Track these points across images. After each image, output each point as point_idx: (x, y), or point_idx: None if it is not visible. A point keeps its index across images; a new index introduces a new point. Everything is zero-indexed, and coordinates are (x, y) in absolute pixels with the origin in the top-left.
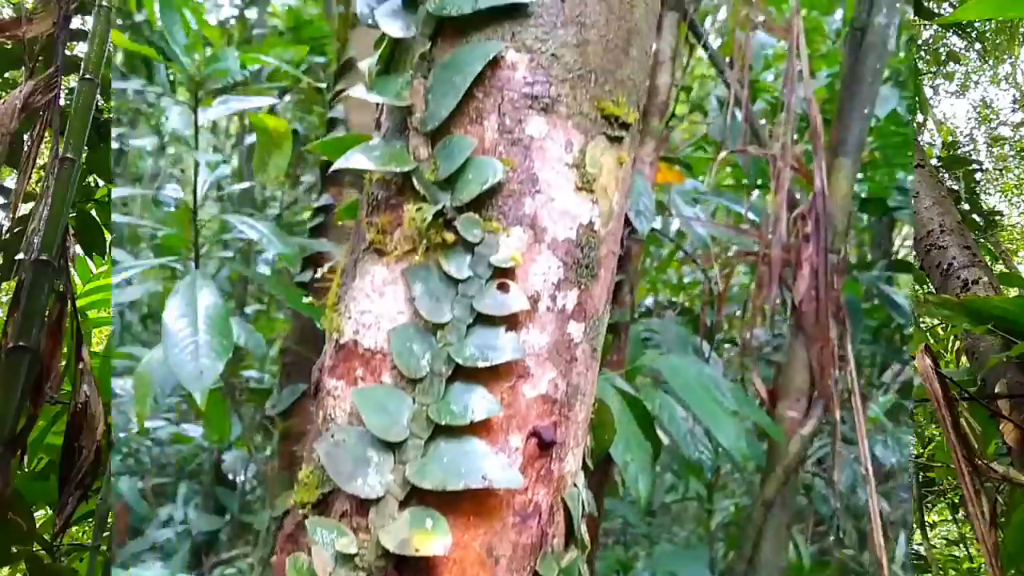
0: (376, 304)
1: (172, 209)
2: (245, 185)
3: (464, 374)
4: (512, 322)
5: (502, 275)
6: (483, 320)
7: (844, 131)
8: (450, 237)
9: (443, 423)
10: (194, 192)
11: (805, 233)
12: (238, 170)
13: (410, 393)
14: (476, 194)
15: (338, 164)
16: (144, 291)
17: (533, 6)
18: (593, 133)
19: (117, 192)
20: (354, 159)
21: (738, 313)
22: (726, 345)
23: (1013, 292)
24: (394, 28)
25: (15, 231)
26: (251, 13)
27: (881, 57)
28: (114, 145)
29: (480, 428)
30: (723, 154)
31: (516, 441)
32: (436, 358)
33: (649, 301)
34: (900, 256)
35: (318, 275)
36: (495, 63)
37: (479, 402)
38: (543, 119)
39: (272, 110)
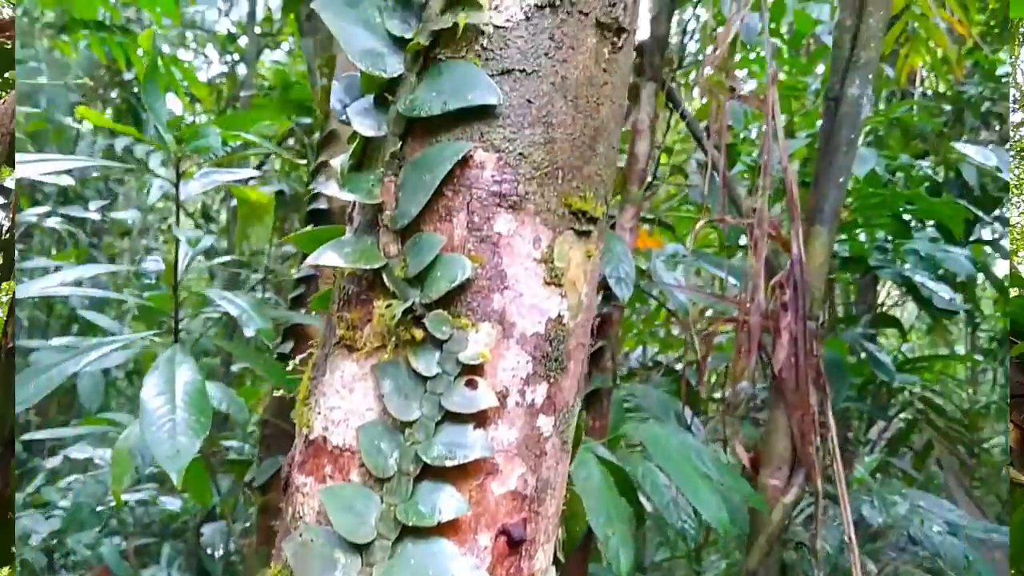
0: (345, 400)
1: (153, 281)
2: (227, 259)
3: (432, 473)
4: (481, 419)
5: (471, 372)
6: (451, 418)
7: (820, 199)
8: (419, 334)
9: (410, 524)
10: (175, 268)
11: (783, 301)
12: (225, 227)
13: (378, 492)
14: (445, 291)
15: (309, 261)
16: (127, 356)
17: (501, 107)
18: (561, 228)
19: (92, 269)
20: (325, 256)
21: (721, 369)
22: (711, 403)
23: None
24: (365, 127)
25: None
26: (241, 67)
27: (855, 127)
28: (95, 217)
29: (448, 528)
30: (701, 223)
31: (485, 540)
32: (404, 457)
33: (638, 353)
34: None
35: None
36: (464, 162)
37: (447, 501)
38: (511, 216)
39: (261, 164)
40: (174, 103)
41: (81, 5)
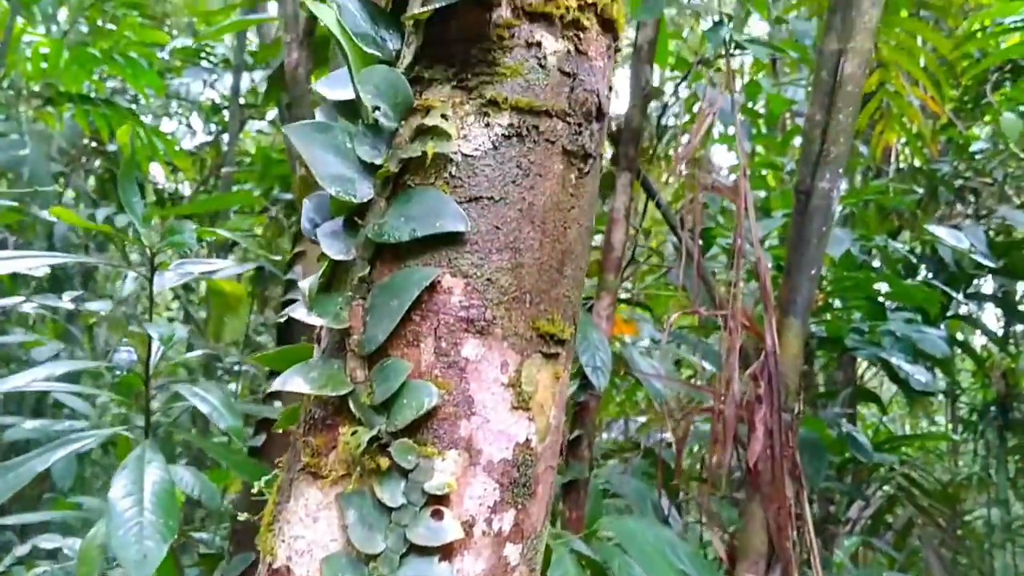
0: (309, 530)
1: (124, 374)
2: (199, 353)
3: None
4: (446, 551)
5: (436, 501)
6: (416, 550)
7: (793, 291)
8: (384, 463)
9: None
10: (146, 365)
11: (758, 393)
12: (202, 299)
13: None
14: (411, 419)
15: (275, 386)
16: (99, 442)
17: (469, 234)
18: (529, 352)
19: (64, 366)
20: (291, 382)
21: (700, 449)
22: (690, 481)
23: None
24: (335, 250)
25: None
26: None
27: (826, 220)
28: (69, 306)
29: None
30: (675, 315)
31: None
32: None
33: (620, 425)
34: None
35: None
36: (432, 287)
37: None
38: (479, 341)
39: (235, 245)
40: (157, 171)
41: (68, 78)
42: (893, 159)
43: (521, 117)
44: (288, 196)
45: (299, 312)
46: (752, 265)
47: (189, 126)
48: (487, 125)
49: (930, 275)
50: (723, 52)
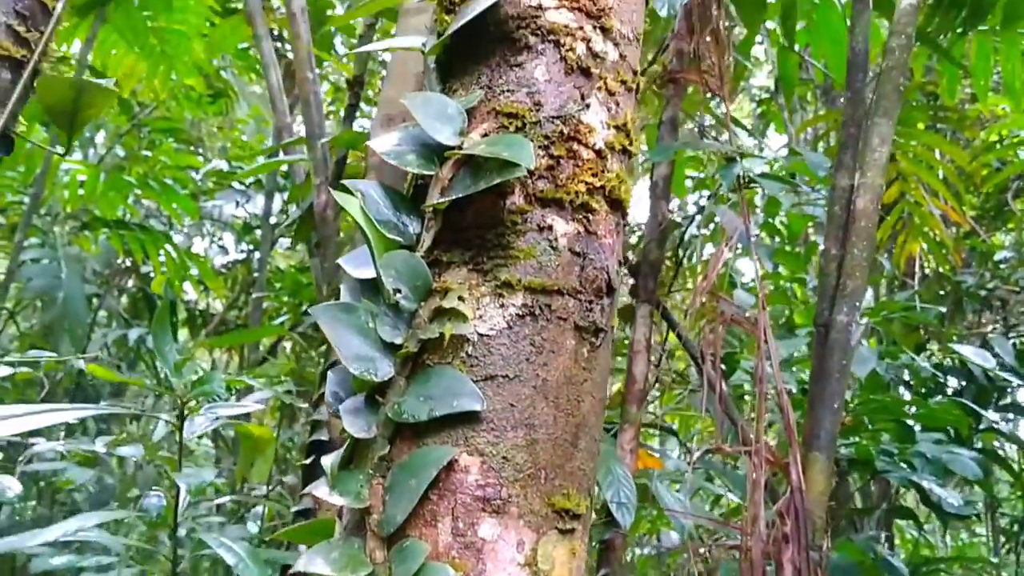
0: None
1: (153, 519)
2: (226, 499)
3: None
4: None
5: None
6: None
7: (816, 426)
8: None
9: None
10: (174, 514)
11: (784, 532)
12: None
13: None
14: None
15: (298, 566)
16: None
17: (485, 412)
18: (545, 529)
19: (93, 518)
20: (314, 563)
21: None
22: None
23: None
24: (356, 428)
25: None
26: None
27: (846, 353)
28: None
29: None
30: (698, 453)
31: None
32: None
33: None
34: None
35: None
36: (449, 466)
37: None
38: (495, 520)
39: (263, 361)
40: (189, 288)
41: (104, 203)
42: (917, 267)
43: (534, 297)
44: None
45: (321, 491)
46: (775, 399)
47: (221, 245)
48: (502, 305)
49: (960, 386)
50: (737, 187)
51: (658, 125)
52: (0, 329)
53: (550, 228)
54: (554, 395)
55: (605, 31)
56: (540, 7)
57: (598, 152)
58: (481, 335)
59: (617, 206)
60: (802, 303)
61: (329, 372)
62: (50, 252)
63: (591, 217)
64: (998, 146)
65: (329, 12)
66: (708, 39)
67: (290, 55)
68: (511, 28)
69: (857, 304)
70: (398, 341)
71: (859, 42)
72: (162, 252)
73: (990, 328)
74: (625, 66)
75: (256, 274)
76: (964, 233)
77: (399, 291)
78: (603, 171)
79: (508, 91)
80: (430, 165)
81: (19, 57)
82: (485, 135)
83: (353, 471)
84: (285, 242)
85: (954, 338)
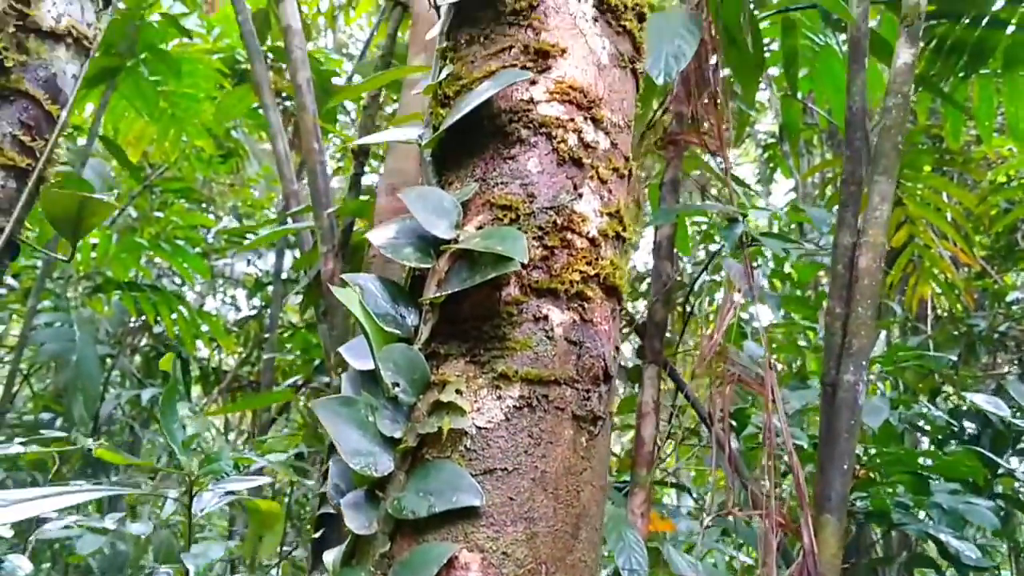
0: None
1: None
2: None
3: None
4: None
5: None
6: None
7: (827, 487)
8: None
9: None
10: None
11: None
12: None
13: None
14: None
15: None
16: None
17: (484, 506)
18: None
19: None
20: None
21: None
22: None
23: None
24: (357, 524)
25: None
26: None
27: (854, 412)
28: (112, 527)
29: None
30: (709, 519)
31: None
32: None
33: None
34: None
35: None
36: (450, 563)
37: None
38: None
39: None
40: (201, 345)
41: (116, 265)
42: (929, 310)
43: (531, 388)
44: (327, 379)
45: None
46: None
47: (234, 303)
48: (499, 398)
49: (977, 431)
50: (740, 247)
51: (660, 185)
52: (15, 391)
53: (546, 318)
54: (553, 487)
55: (596, 121)
56: (532, 100)
57: (592, 240)
58: (479, 428)
59: (612, 292)
60: (814, 350)
61: (331, 462)
62: (63, 315)
63: (586, 305)
64: (1006, 187)
65: (334, 79)
66: (707, 101)
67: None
68: (504, 122)
69: (863, 363)
70: (397, 435)
71: (856, 101)
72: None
73: (1006, 369)
74: (617, 154)
75: (267, 337)
76: (975, 274)
77: (397, 385)
78: (597, 259)
79: (502, 183)
80: (427, 258)
81: (24, 166)
82: (480, 227)
83: (355, 568)
84: (297, 297)
85: (968, 381)
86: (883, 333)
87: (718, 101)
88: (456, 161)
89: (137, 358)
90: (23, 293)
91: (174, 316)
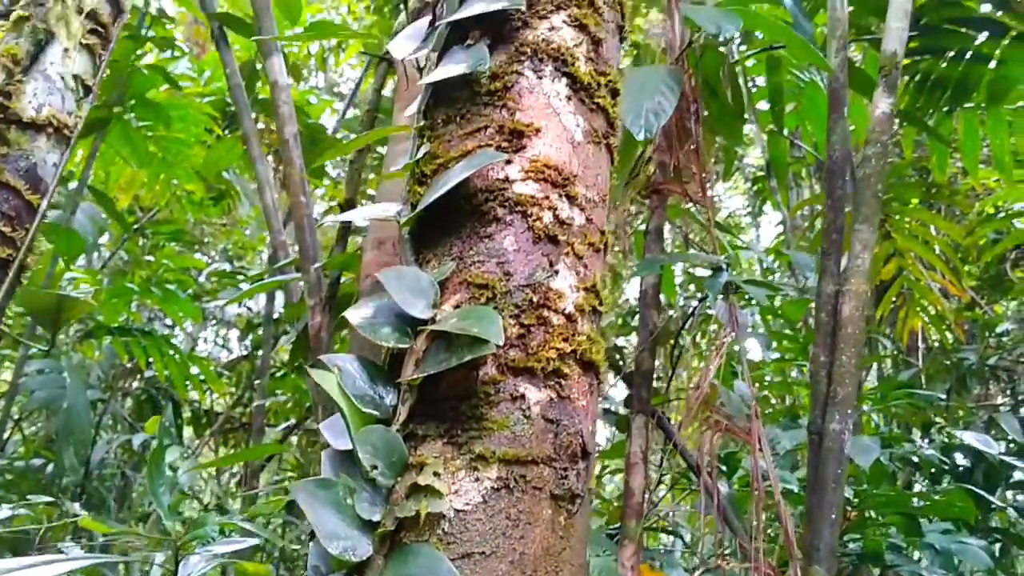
0: None
1: None
2: None
3: None
4: None
5: None
6: None
7: (815, 538)
8: None
9: None
10: None
11: None
12: None
13: None
14: None
15: None
16: None
17: None
18: None
19: None
20: None
21: None
22: None
23: None
24: None
25: None
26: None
27: (840, 462)
28: None
29: None
30: (698, 574)
31: None
32: None
33: None
34: None
35: None
36: None
37: None
38: None
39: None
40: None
41: (107, 310)
42: (920, 341)
43: (509, 468)
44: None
45: None
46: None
47: (225, 344)
48: (477, 479)
49: (971, 465)
50: (725, 294)
51: (644, 234)
52: (7, 437)
53: (523, 397)
54: (532, 568)
55: (571, 198)
56: (508, 179)
57: (568, 316)
58: (457, 511)
59: (589, 367)
60: (805, 385)
61: (311, 544)
62: (53, 362)
63: (563, 382)
64: (995, 217)
65: (325, 114)
66: (689, 150)
67: None
68: (480, 201)
69: (849, 411)
70: (375, 518)
71: (836, 150)
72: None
73: (999, 400)
74: (592, 228)
75: (259, 382)
76: (965, 305)
77: (376, 467)
78: (574, 335)
79: (479, 261)
80: (405, 339)
81: (4, 256)
82: (458, 306)
83: None
84: (290, 335)
85: (961, 414)
86: (874, 366)
87: (699, 152)
88: (434, 239)
89: (129, 402)
90: (13, 339)
91: (165, 359)
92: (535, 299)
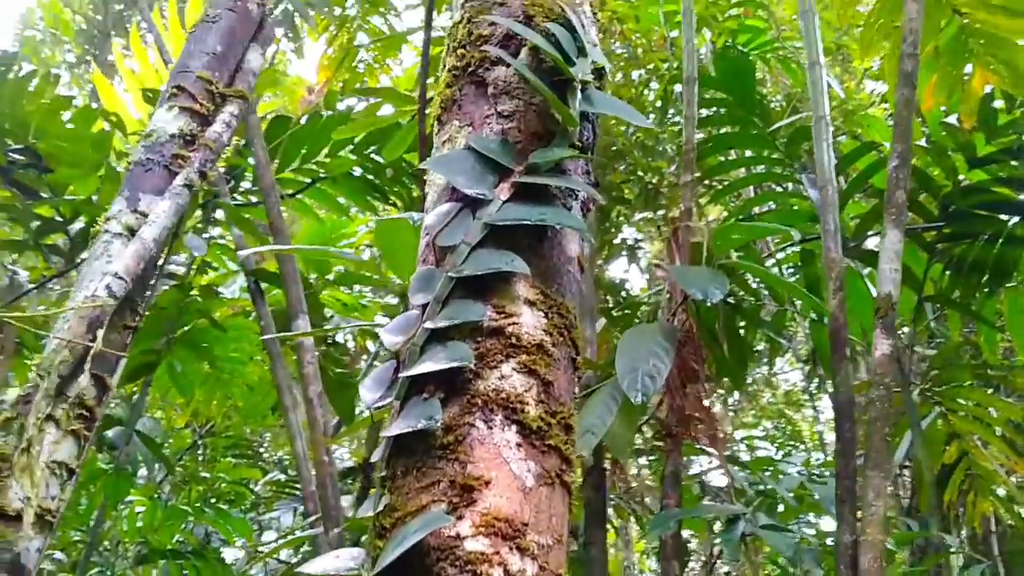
0: None
1: None
2: None
3: None
4: None
5: None
6: None
7: None
8: None
9: None
10: None
11: None
12: None
13: None
14: None
15: None
16: None
17: None
18: None
19: None
20: None
21: None
22: None
23: None
24: None
25: None
26: None
27: None
28: None
29: None
30: None
31: None
32: None
33: None
34: None
35: None
36: None
37: None
38: None
39: None
40: None
41: (163, 534)
42: (993, 525)
43: None
44: None
45: None
46: None
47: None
48: None
49: None
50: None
51: (661, 479)
52: None
53: None
54: None
55: (522, 550)
56: (459, 536)
57: None
58: None
59: None
60: None
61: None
62: None
63: None
64: None
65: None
66: (696, 397)
67: None
68: (432, 560)
69: None
70: None
71: (843, 392)
72: None
73: None
74: (547, 575)
75: None
76: None
77: None
78: None
79: None
80: None
81: None
82: None
83: None
84: None
85: None
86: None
87: (703, 403)
88: None
89: None
90: (71, 566)
91: None
92: None
